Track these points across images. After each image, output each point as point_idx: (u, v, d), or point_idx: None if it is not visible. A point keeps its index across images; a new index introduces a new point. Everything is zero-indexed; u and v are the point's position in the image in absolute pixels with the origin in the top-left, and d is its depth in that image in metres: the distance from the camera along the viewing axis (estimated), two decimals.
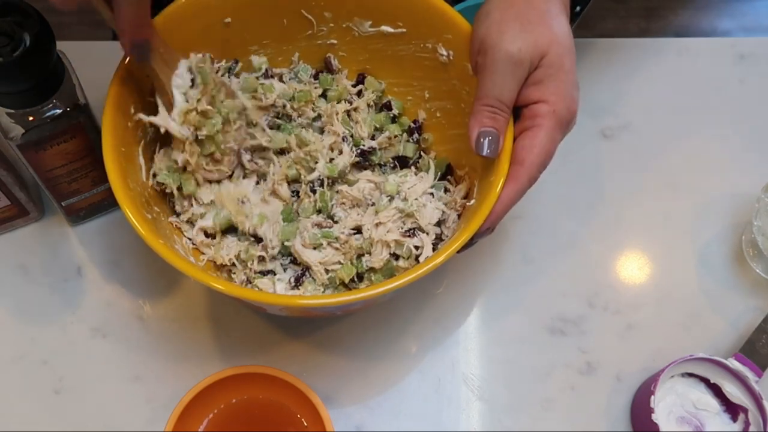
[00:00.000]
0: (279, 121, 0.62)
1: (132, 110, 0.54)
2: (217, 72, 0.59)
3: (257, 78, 0.62)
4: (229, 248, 0.59)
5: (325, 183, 0.60)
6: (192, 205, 0.59)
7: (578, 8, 0.66)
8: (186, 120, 0.55)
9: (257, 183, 0.61)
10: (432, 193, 0.60)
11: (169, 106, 0.55)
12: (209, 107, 0.56)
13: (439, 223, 0.59)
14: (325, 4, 0.61)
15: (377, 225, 0.57)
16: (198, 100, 0.55)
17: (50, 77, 0.53)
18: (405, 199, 0.58)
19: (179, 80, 0.54)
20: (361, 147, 0.62)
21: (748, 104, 0.77)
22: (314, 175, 0.60)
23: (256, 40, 0.63)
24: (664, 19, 1.81)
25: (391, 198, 0.59)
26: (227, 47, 0.62)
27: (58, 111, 0.54)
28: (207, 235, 0.59)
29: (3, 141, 0.55)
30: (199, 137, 0.56)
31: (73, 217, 0.66)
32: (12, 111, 0.53)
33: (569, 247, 0.69)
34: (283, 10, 0.62)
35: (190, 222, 0.59)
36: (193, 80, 0.55)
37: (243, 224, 0.59)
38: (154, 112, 0.55)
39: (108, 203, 0.66)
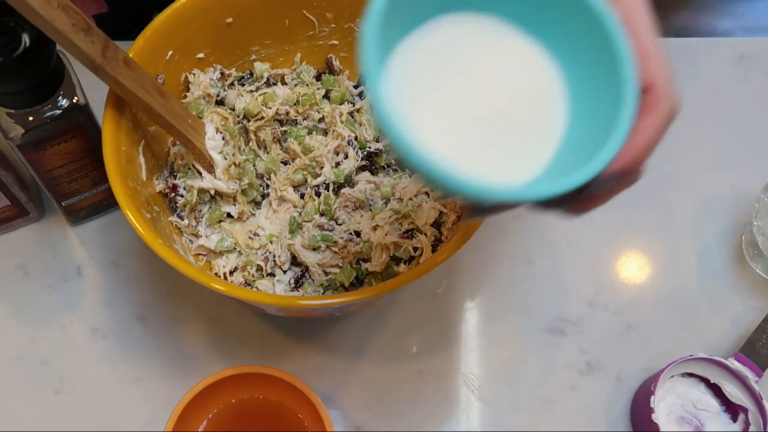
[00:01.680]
0: (284, 128, 0.62)
1: (132, 110, 0.54)
2: (231, 85, 0.62)
3: (258, 87, 0.63)
4: (227, 260, 0.59)
5: (330, 187, 0.60)
6: (197, 222, 0.59)
7: None
8: (228, 176, 0.58)
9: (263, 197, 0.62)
10: (427, 193, 0.60)
11: (209, 168, 0.57)
12: (243, 157, 0.60)
13: (438, 225, 0.58)
14: (327, 5, 0.61)
15: (375, 228, 0.57)
16: (233, 155, 0.59)
17: (50, 77, 0.53)
18: (400, 200, 0.58)
19: (212, 142, 0.57)
20: (367, 149, 0.62)
21: (748, 104, 0.77)
22: (320, 179, 0.60)
23: (257, 40, 0.63)
24: (664, 19, 1.80)
25: (387, 201, 0.59)
26: (229, 47, 0.62)
27: (58, 111, 0.54)
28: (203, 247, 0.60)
29: (3, 141, 0.55)
30: (242, 187, 0.59)
31: (73, 217, 0.66)
32: (12, 111, 0.53)
33: (569, 247, 0.69)
34: (284, 10, 0.62)
35: (193, 234, 0.60)
36: (223, 138, 0.58)
37: (250, 256, 0.59)
38: None
39: (108, 203, 0.66)
